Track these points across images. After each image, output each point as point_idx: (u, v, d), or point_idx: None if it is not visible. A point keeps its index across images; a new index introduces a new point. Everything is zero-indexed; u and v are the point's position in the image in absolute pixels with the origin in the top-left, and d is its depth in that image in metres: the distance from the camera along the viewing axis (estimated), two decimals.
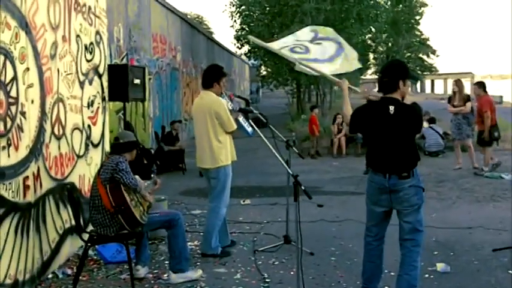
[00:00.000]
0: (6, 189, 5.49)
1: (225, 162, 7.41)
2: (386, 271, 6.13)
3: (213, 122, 7.32)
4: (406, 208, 5.44)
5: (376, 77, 14.87)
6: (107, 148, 8.66)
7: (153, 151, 15.28)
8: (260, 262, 7.24)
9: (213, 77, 7.54)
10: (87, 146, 7.87)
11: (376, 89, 5.76)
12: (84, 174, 7.73)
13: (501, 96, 58.66)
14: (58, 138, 6.87)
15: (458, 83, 14.73)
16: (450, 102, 14.40)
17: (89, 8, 7.98)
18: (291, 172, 5.56)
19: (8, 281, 5.52)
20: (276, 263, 7.20)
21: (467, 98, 14.16)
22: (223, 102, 7.43)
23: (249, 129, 7.65)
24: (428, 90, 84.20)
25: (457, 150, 14.52)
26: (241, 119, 7.60)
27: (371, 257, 5.78)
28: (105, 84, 8.67)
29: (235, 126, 7.44)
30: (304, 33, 7.66)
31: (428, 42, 56.50)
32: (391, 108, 5.39)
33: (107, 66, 8.80)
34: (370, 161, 5.74)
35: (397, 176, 5.39)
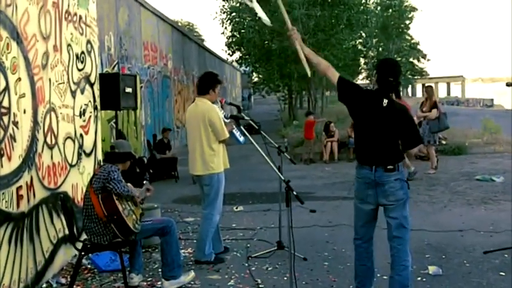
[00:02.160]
0: None
1: (217, 169, 7.44)
2: (378, 275, 6.17)
3: (206, 130, 7.35)
4: (391, 203, 5.46)
5: (368, 82, 15.00)
6: (100, 157, 8.69)
7: (145, 159, 15.29)
8: (254, 268, 7.26)
9: (208, 84, 7.57)
10: (79, 155, 7.89)
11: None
12: (77, 183, 7.74)
13: (492, 99, 58.93)
14: (50, 148, 6.88)
15: (428, 90, 15.06)
16: (421, 107, 14.63)
17: (80, 17, 8.01)
18: (282, 178, 5.59)
19: None
20: (270, 268, 7.23)
21: (434, 105, 14.33)
22: (217, 110, 7.47)
23: (241, 139, 7.69)
24: (419, 94, 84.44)
25: (430, 155, 14.62)
26: (234, 129, 7.64)
27: (361, 259, 5.80)
28: (97, 93, 8.69)
29: (227, 135, 7.46)
30: None
31: (418, 47, 56.73)
32: (385, 101, 5.45)
33: (98, 75, 8.82)
34: (357, 154, 5.78)
35: (382, 168, 5.43)
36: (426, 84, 15.47)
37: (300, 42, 5.92)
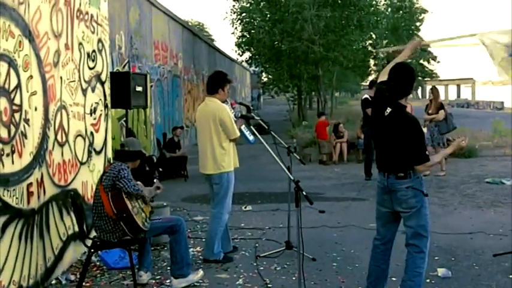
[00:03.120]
0: (10, 195, 5.53)
1: (227, 168, 7.45)
2: (388, 276, 6.16)
3: (217, 129, 7.36)
4: (405, 210, 5.44)
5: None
6: (110, 155, 8.71)
7: (155, 158, 15.31)
8: (262, 268, 7.27)
9: (218, 83, 7.59)
10: (90, 152, 7.92)
11: None
12: (87, 180, 7.77)
13: (502, 102, 58.65)
14: (61, 145, 6.91)
15: (433, 91, 15.02)
16: (426, 109, 14.55)
17: (91, 16, 8.04)
18: (292, 178, 5.59)
19: (12, 287, 5.55)
20: (278, 268, 7.23)
21: (441, 106, 14.28)
22: (228, 109, 7.49)
23: (251, 138, 7.70)
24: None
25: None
26: (243, 127, 7.66)
27: (377, 260, 5.79)
28: (108, 91, 8.72)
29: (238, 134, 7.48)
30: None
31: (429, 49, 56.50)
32: (388, 110, 5.43)
33: (109, 73, 8.86)
34: (375, 160, 5.82)
35: (394, 176, 5.42)
36: (431, 86, 15.44)
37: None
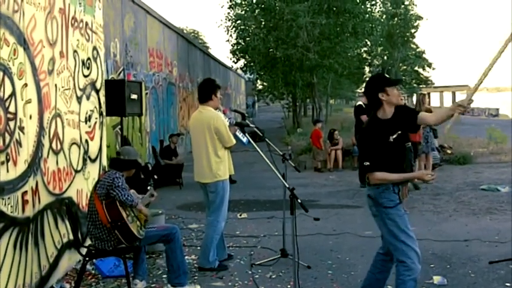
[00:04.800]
0: (5, 204, 5.51)
1: (223, 176, 7.46)
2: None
3: (212, 137, 7.36)
4: (375, 218, 5.49)
5: None
6: (104, 163, 8.70)
7: (150, 166, 15.29)
8: (257, 276, 7.26)
9: (209, 90, 7.61)
10: (84, 160, 7.90)
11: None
12: (82, 189, 7.75)
13: (497, 109, 58.76)
14: (56, 153, 6.90)
15: (420, 97, 15.25)
16: None
17: (86, 23, 8.04)
18: (287, 185, 5.59)
19: None
20: (273, 276, 7.22)
21: (429, 111, 14.34)
22: (222, 117, 7.49)
23: (244, 139, 7.70)
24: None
25: (429, 162, 14.62)
26: (237, 132, 7.66)
27: (374, 268, 5.76)
28: (103, 99, 8.71)
29: (234, 142, 7.49)
30: None
31: (424, 55, 56.62)
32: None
33: (104, 81, 8.85)
34: None
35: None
36: (419, 92, 15.56)
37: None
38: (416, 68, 56.27)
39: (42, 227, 6.45)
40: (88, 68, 8.09)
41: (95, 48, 8.39)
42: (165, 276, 6.88)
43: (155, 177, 14.69)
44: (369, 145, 5.34)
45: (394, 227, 5.34)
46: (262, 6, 29.31)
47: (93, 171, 8.19)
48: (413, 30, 50.18)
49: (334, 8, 27.90)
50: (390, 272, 5.76)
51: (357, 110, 13.83)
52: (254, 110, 60.54)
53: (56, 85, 6.88)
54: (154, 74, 19.33)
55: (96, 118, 8.39)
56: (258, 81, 40.27)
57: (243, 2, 31.35)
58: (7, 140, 5.56)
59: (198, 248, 8.14)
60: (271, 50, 29.42)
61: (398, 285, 5.37)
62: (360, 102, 14.00)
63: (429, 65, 57.94)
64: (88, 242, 6.65)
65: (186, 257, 7.80)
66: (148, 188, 6.89)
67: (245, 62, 33.75)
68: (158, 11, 20.02)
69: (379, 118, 5.38)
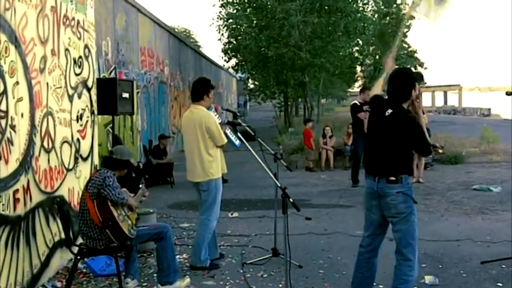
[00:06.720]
0: None
1: (215, 175, 7.45)
2: (375, 283, 6.15)
3: (203, 136, 7.35)
4: (394, 216, 5.43)
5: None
6: (96, 161, 8.68)
7: (141, 165, 15.26)
8: (249, 275, 7.25)
9: (202, 90, 7.58)
10: (76, 159, 7.88)
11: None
12: (73, 187, 7.73)
13: (489, 109, 58.99)
14: (47, 152, 6.88)
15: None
16: None
17: (78, 22, 8.01)
18: (279, 185, 5.58)
19: None
20: (265, 275, 7.21)
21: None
22: (214, 116, 7.48)
23: (237, 142, 7.70)
24: None
25: (415, 161, 14.64)
26: (228, 131, 7.65)
27: (360, 267, 5.79)
28: (94, 97, 8.69)
29: (225, 140, 7.48)
30: None
31: (416, 55, 56.71)
32: (389, 111, 5.44)
33: (95, 79, 8.83)
34: (364, 164, 5.84)
35: (385, 179, 5.41)
36: None
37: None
38: (408, 67, 56.33)
39: (33, 225, 6.43)
40: (80, 67, 8.06)
41: (86, 46, 8.36)
42: (156, 275, 6.86)
43: (146, 176, 14.69)
44: (422, 130, 5.47)
45: (415, 224, 5.50)
46: (254, 5, 29.36)
47: (84, 170, 8.17)
48: (405, 30, 50.25)
49: (326, 7, 27.96)
50: (376, 266, 5.81)
51: (353, 109, 13.85)
52: (246, 109, 60.52)
53: (47, 83, 6.86)
54: (145, 72, 19.31)
55: (87, 117, 8.36)
56: (250, 80, 40.19)
57: (235, 1, 31.41)
58: None
59: (190, 247, 8.13)
60: (262, 49, 29.44)
61: (401, 284, 5.42)
62: (355, 101, 14.03)
63: (421, 65, 58.06)
64: (79, 241, 6.64)
65: (178, 256, 7.80)
66: (140, 186, 6.88)
67: (237, 61, 33.80)
68: (150, 9, 19.99)
69: (409, 110, 5.52)
